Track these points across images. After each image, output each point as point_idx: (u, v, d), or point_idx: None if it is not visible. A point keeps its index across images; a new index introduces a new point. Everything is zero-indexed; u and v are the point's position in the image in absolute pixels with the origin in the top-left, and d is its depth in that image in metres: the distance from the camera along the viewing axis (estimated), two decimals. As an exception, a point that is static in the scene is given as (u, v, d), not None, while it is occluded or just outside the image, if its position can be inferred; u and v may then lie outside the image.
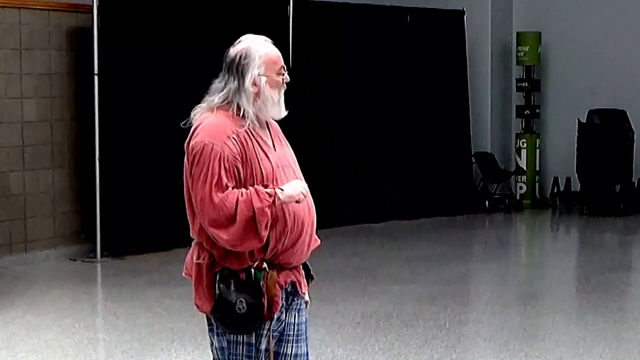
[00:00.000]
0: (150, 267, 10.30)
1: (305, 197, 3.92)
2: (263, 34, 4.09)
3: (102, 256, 10.68)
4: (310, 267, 4.18)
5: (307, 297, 4.16)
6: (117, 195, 10.76)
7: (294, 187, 3.91)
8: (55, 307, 8.64)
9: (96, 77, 10.53)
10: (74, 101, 10.85)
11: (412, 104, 13.79)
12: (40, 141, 10.56)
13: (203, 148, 3.87)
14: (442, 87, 14.14)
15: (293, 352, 4.06)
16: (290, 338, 4.06)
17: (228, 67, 4.01)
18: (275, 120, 4.10)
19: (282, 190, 3.89)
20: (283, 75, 4.01)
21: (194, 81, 11.56)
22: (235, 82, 3.98)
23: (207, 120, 3.96)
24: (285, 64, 4.07)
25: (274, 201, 3.84)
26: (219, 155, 3.85)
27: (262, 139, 3.99)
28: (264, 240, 3.85)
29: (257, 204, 3.81)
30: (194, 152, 3.89)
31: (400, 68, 13.69)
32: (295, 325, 4.07)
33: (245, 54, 3.97)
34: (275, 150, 4.01)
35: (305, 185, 3.94)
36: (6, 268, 10.06)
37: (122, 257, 10.69)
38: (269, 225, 3.84)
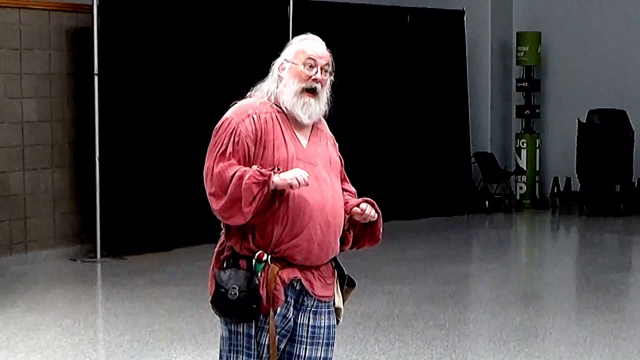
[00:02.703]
0: (150, 267, 10.30)
1: (299, 183, 3.85)
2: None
3: (102, 256, 10.67)
4: (346, 273, 4.16)
5: (338, 304, 4.13)
6: (117, 195, 10.76)
7: (291, 171, 3.89)
8: (55, 307, 8.64)
9: (96, 77, 10.53)
10: (74, 101, 10.85)
11: (411, 104, 13.78)
12: (40, 141, 10.56)
13: (222, 123, 3.99)
14: (442, 87, 14.14)
15: (307, 355, 4.05)
16: (304, 340, 4.05)
17: None
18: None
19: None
20: (310, 68, 4.02)
21: (194, 81, 11.60)
22: (273, 65, 4.10)
23: (239, 102, 4.07)
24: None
25: (265, 182, 3.84)
26: (232, 129, 3.94)
27: (292, 130, 4.01)
28: (248, 218, 3.85)
29: (246, 179, 3.85)
30: (216, 127, 4.01)
31: (400, 68, 13.69)
32: (310, 327, 4.05)
33: (290, 42, 4.09)
34: (304, 146, 4.02)
35: (305, 174, 3.87)
36: (6, 268, 10.06)
37: (122, 257, 10.68)
38: (254, 203, 3.83)
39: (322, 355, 4.08)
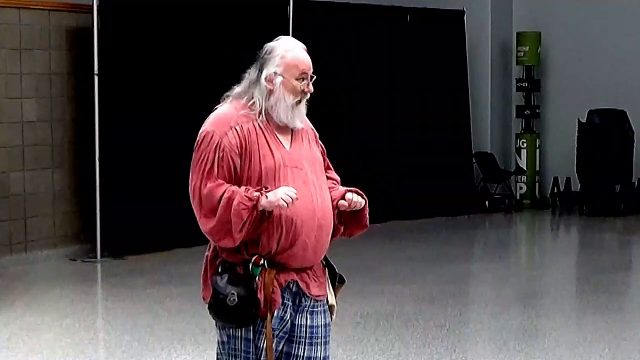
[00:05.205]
0: (150, 267, 10.30)
1: (287, 203, 3.83)
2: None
3: (102, 256, 10.67)
4: (336, 270, 4.17)
5: (332, 301, 4.13)
6: (117, 196, 10.76)
7: (277, 192, 3.86)
8: (55, 307, 8.64)
9: (96, 77, 10.53)
10: (74, 101, 10.85)
11: (412, 104, 13.79)
12: (40, 141, 10.56)
13: (204, 136, 3.95)
14: (442, 87, 14.14)
15: (306, 355, 4.04)
16: (302, 340, 4.04)
17: (256, 59, 4.05)
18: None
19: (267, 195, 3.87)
20: (303, 81, 3.99)
21: (194, 81, 11.59)
22: (255, 74, 4.02)
23: (217, 110, 4.04)
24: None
25: (254, 205, 3.84)
26: (215, 143, 3.91)
27: (275, 136, 3.99)
28: (238, 242, 3.87)
29: (235, 205, 3.83)
30: (197, 140, 3.97)
31: (400, 68, 13.69)
32: (308, 327, 4.05)
33: (271, 49, 4.00)
34: (288, 150, 4.00)
35: (292, 192, 3.86)
36: (6, 268, 10.06)
37: (122, 257, 10.68)
38: (244, 229, 3.84)
39: (321, 355, 4.08)
